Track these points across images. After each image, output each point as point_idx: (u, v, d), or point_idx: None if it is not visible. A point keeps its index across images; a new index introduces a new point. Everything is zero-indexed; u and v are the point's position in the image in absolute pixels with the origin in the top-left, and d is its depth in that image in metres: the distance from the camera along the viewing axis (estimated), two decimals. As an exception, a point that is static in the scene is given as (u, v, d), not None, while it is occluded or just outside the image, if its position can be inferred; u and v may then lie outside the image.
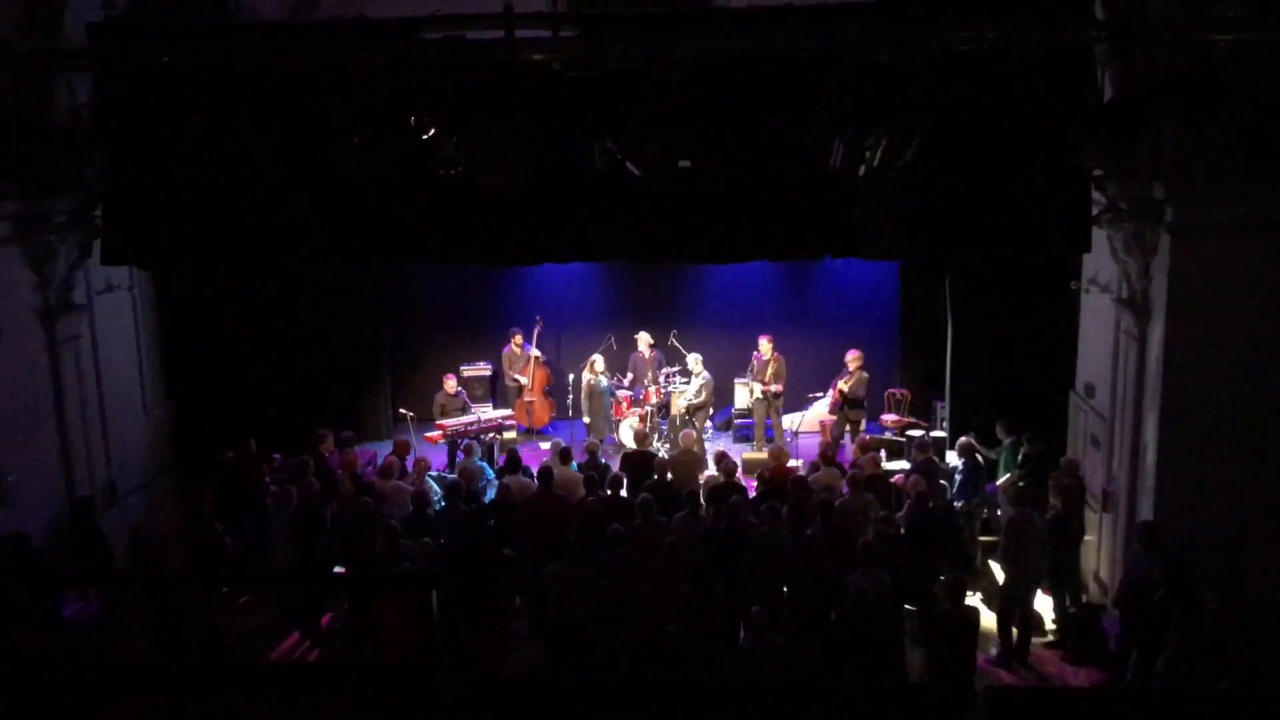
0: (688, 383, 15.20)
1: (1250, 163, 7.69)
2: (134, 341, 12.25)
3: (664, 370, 15.48)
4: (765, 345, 14.89)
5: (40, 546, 9.98)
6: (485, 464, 12.58)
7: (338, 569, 10.60)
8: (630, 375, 15.54)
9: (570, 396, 15.71)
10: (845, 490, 10.88)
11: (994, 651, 10.34)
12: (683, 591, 9.05)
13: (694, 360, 15.00)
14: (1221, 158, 8.54)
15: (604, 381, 15.27)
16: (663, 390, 15.20)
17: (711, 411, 15.37)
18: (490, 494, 11.59)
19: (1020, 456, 11.74)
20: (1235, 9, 7.38)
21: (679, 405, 14.86)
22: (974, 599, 10.40)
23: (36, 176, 10.03)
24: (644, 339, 15.54)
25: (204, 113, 8.40)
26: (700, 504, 10.79)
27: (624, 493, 11.11)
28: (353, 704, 6.61)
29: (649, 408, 14.99)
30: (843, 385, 14.41)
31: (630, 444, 13.84)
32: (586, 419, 15.36)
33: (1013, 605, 10.28)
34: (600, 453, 12.51)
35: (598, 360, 15.29)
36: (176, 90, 8.46)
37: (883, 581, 9.07)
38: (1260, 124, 7.45)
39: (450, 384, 14.85)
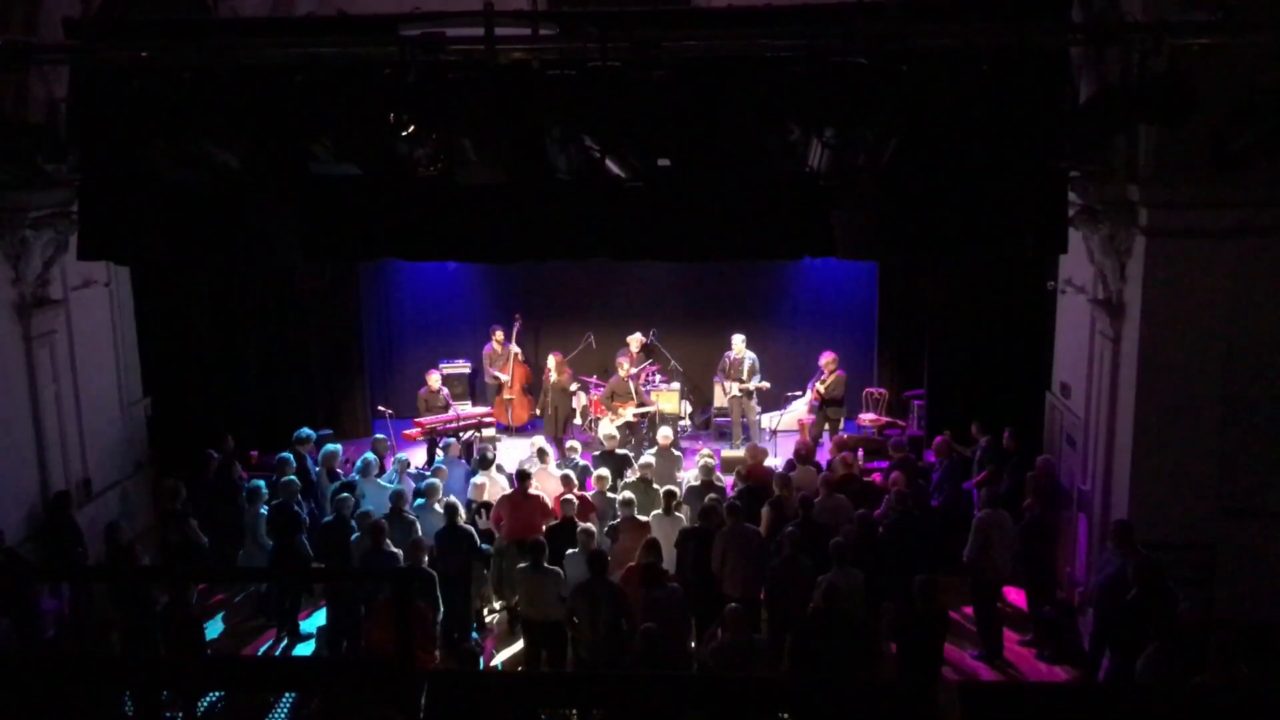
0: (669, 384, 15.26)
1: (1215, 168, 7.77)
2: (111, 337, 12.19)
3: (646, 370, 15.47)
4: (738, 342, 14.93)
5: (14, 542, 9.95)
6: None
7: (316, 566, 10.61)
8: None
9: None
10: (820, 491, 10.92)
11: (972, 650, 10.44)
12: (641, 594, 9.08)
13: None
14: (1194, 161, 8.62)
15: (555, 376, 15.24)
16: (645, 392, 15.19)
17: (690, 411, 15.35)
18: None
19: (996, 455, 11.82)
20: (1208, 14, 7.46)
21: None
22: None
23: (12, 171, 9.96)
24: (635, 340, 15.53)
25: (182, 108, 8.35)
26: (677, 502, 10.81)
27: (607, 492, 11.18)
28: (333, 699, 6.60)
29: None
30: (820, 387, 14.46)
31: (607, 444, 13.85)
32: (549, 411, 15.31)
33: (982, 604, 10.36)
34: (579, 453, 12.51)
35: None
36: (154, 86, 8.41)
37: (856, 580, 9.12)
38: (1225, 129, 7.53)
39: (434, 379, 14.80)
